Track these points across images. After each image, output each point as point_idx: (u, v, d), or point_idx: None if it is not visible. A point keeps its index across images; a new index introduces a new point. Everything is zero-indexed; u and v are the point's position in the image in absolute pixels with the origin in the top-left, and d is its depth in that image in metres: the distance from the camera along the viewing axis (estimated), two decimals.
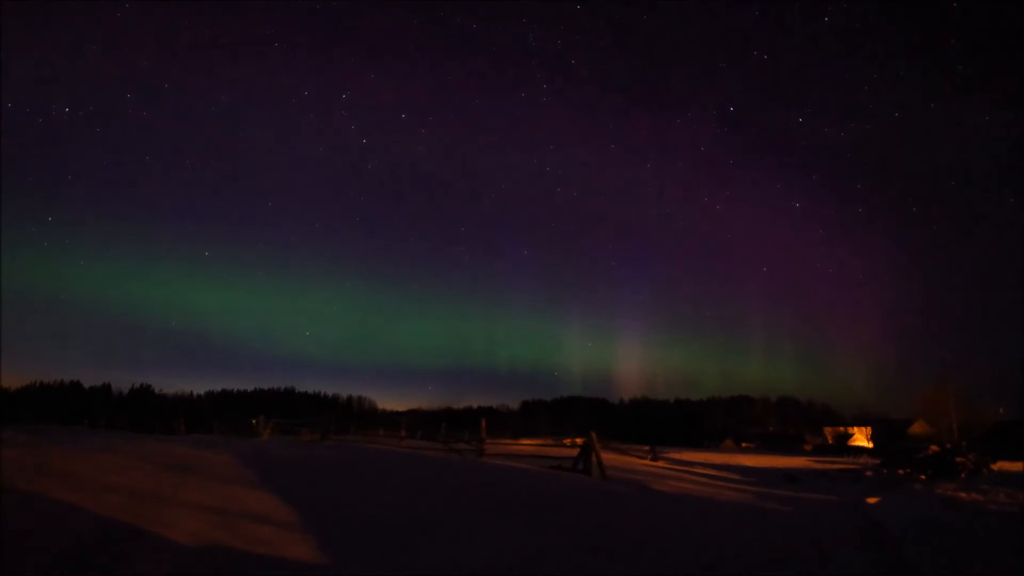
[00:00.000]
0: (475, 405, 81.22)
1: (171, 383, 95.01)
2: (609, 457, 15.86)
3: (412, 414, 71.86)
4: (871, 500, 11.26)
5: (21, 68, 67.38)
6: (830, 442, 45.46)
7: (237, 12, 72.18)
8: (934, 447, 16.52)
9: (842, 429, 48.50)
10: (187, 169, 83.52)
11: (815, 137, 69.65)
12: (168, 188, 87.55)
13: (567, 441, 22.58)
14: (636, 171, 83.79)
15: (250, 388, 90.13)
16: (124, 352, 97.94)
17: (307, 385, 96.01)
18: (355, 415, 65.33)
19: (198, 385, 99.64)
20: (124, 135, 77.33)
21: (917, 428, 36.97)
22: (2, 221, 74.31)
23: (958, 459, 15.09)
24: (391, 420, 49.00)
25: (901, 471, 16.29)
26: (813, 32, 64.21)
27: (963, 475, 14.20)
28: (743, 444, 50.45)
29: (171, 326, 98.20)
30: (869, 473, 17.75)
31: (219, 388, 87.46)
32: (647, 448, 24.77)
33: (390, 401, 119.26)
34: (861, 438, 43.97)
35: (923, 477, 14.88)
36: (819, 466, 22.04)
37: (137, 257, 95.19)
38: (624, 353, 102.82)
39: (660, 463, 19.85)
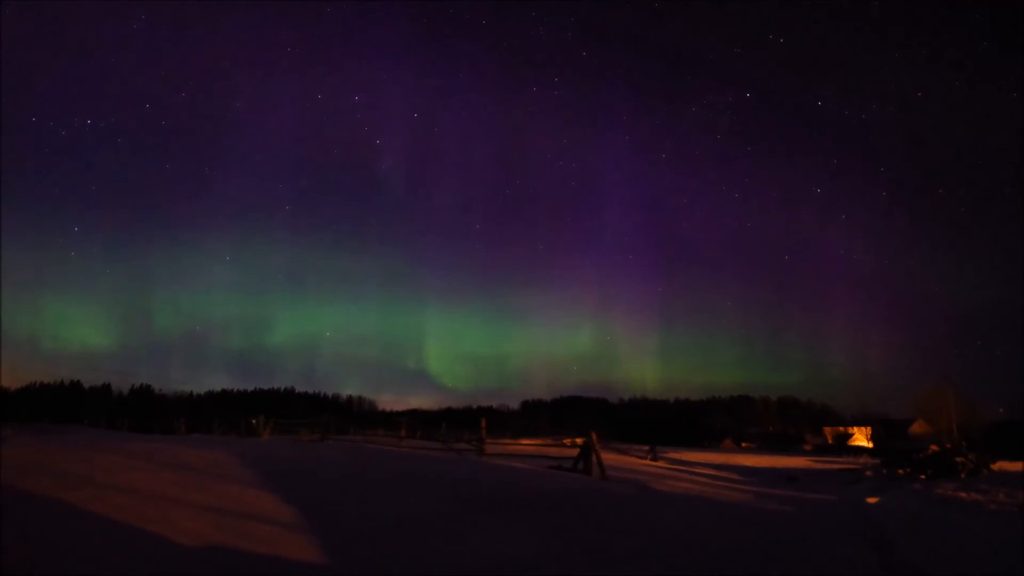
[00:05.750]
0: (475, 405, 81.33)
1: (171, 383, 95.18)
2: (609, 457, 15.86)
3: (412, 414, 71.98)
4: (871, 500, 11.27)
5: (44, 83, 70.18)
6: (830, 442, 45.37)
7: (249, 20, 72.89)
8: (934, 447, 16.51)
9: (842, 429, 48.42)
10: (204, 175, 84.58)
11: (835, 121, 68.41)
12: (185, 194, 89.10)
13: (567, 441, 22.55)
14: (651, 161, 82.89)
15: (250, 388, 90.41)
16: (129, 352, 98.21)
17: (307, 385, 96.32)
18: (355, 415, 65.46)
19: (198, 385, 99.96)
20: (143, 144, 79.28)
21: (917, 428, 36.96)
22: (29, 232, 76.21)
23: (958, 459, 15.10)
24: (391, 420, 48.97)
25: (901, 471, 16.30)
26: (830, 13, 63.41)
27: (963, 475, 14.21)
28: (743, 444, 50.37)
29: (183, 329, 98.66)
30: (869, 473, 17.75)
31: (219, 388, 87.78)
32: (647, 448, 24.77)
33: (390, 401, 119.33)
34: (861, 438, 43.89)
35: (923, 477, 14.88)
36: (819, 466, 22.03)
37: (155, 261, 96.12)
38: (633, 352, 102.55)
39: (660, 463, 19.86)
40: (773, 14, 67.64)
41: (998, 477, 13.23)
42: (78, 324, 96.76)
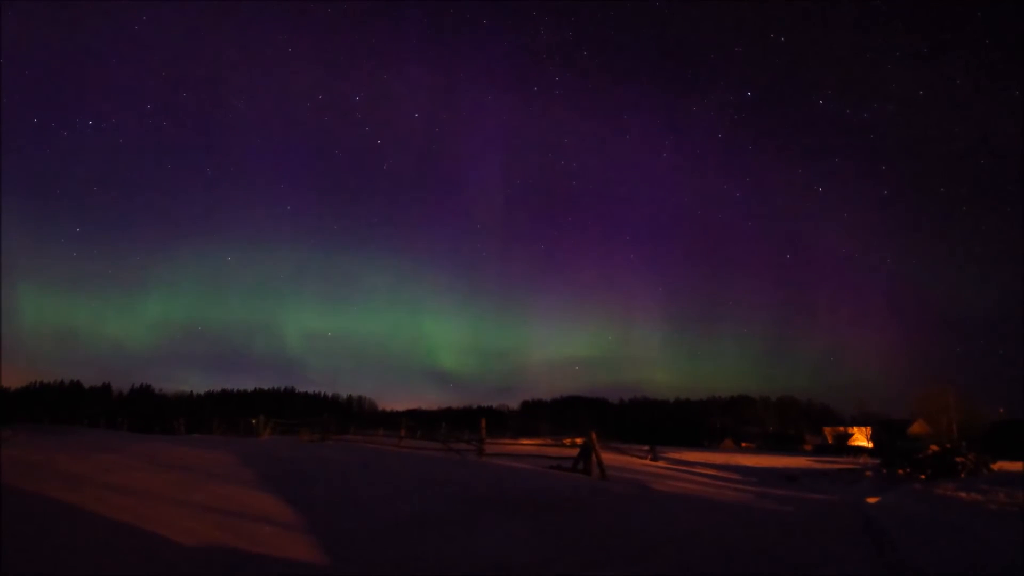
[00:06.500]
0: (475, 405, 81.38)
1: (171, 383, 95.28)
2: (609, 457, 15.86)
3: (412, 414, 72.00)
4: (871, 500, 11.28)
5: (44, 83, 70.36)
6: (830, 442, 45.45)
7: (250, 20, 72.91)
8: (934, 447, 16.51)
9: (842, 429, 48.50)
10: (205, 175, 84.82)
11: (836, 120, 68.40)
12: (186, 195, 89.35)
13: (567, 441, 22.55)
14: (652, 161, 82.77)
15: (250, 388, 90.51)
16: (129, 352, 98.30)
17: (307, 385, 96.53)
18: (355, 415, 65.50)
19: (198, 385, 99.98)
20: (145, 145, 79.73)
21: (917, 428, 36.96)
22: (30, 232, 76.99)
23: (958, 459, 15.09)
24: (391, 420, 48.98)
25: (901, 471, 16.29)
26: (831, 12, 63.44)
27: (963, 475, 14.20)
28: (743, 444, 50.44)
29: (183, 329, 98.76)
30: (869, 473, 17.76)
31: (219, 388, 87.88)
32: (647, 448, 24.75)
33: (390, 401, 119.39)
34: (861, 438, 43.95)
35: (923, 477, 14.88)
36: (819, 466, 22.04)
37: (156, 261, 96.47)
38: (634, 352, 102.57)
39: (660, 463, 19.86)
40: (774, 13, 67.85)
41: (998, 477, 13.21)
42: (78, 324, 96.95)
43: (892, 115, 61.76)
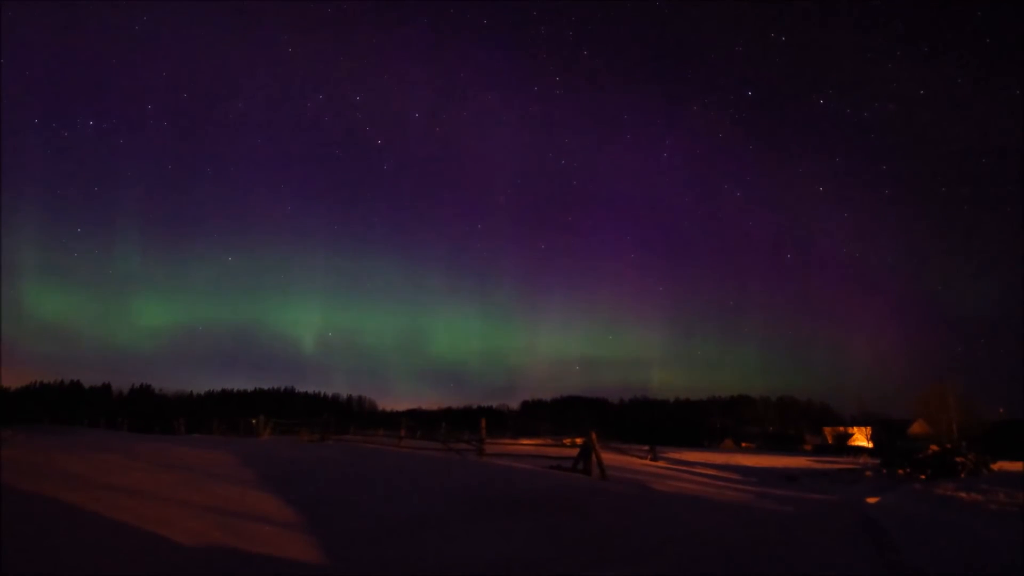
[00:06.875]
0: (475, 405, 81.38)
1: (171, 383, 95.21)
2: (609, 457, 15.85)
3: (412, 414, 72.03)
4: (871, 500, 11.28)
5: (44, 83, 70.30)
6: (830, 442, 45.44)
7: (250, 20, 72.88)
8: (934, 447, 16.53)
9: (842, 429, 48.47)
10: (205, 175, 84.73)
11: (837, 119, 68.08)
12: (186, 194, 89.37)
13: (567, 441, 22.56)
14: (653, 160, 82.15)
15: (250, 388, 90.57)
16: (129, 352, 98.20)
17: (307, 385, 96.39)
18: (355, 415, 65.55)
19: (198, 385, 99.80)
20: (144, 145, 79.41)
21: (917, 428, 36.95)
22: (31, 232, 77.07)
23: (958, 459, 15.11)
24: (391, 420, 49.00)
25: (901, 471, 16.31)
26: (832, 10, 63.48)
27: (963, 475, 14.22)
28: (743, 444, 50.40)
29: (183, 329, 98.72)
30: (869, 473, 17.76)
31: (219, 388, 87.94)
32: (647, 448, 24.74)
33: (390, 401, 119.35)
34: (861, 438, 43.93)
35: (923, 477, 14.89)
36: (819, 466, 22.05)
37: (156, 261, 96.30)
38: (634, 351, 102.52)
39: (660, 463, 19.85)
40: (774, 13, 67.93)
41: (998, 477, 13.22)
42: (78, 324, 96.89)
43: (892, 115, 61.60)
